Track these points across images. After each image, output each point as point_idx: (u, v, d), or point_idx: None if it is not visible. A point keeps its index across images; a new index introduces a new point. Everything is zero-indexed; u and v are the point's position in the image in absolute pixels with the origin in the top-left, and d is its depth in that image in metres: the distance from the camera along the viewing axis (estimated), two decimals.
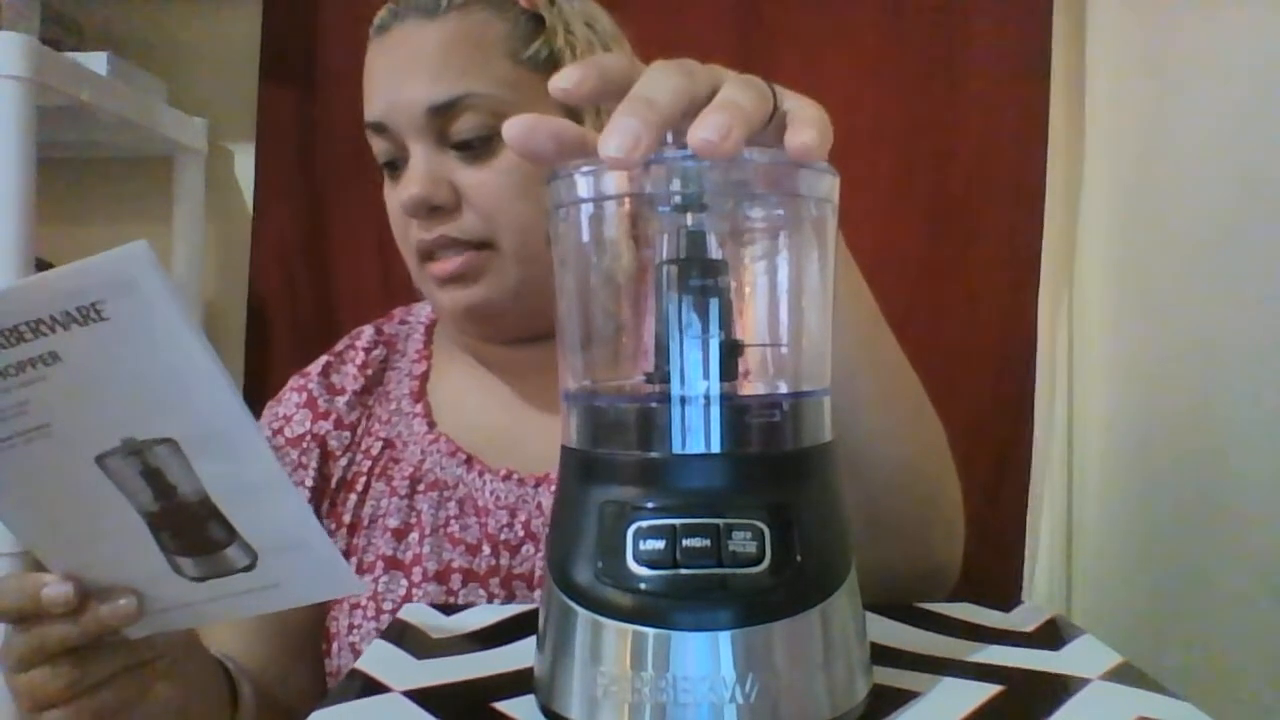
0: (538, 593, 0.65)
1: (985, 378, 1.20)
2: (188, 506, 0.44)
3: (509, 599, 0.66)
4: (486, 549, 0.66)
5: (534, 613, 0.42)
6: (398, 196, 0.66)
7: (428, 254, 0.66)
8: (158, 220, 1.26)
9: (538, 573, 0.66)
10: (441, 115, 0.63)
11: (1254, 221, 0.83)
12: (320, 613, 0.69)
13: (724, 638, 0.35)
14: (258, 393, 1.18)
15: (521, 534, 0.67)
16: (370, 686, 0.43)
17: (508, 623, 0.52)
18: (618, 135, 0.34)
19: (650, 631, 0.36)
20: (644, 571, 0.36)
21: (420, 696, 0.41)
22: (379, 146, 0.68)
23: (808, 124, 0.38)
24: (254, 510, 0.45)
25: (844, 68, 1.20)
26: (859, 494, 0.42)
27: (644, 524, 0.36)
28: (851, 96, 1.19)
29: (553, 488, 0.68)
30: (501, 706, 0.40)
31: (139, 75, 1.17)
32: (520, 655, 0.46)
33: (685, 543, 0.35)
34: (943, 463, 0.60)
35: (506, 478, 0.69)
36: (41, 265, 0.94)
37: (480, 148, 0.64)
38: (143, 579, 0.47)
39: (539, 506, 0.68)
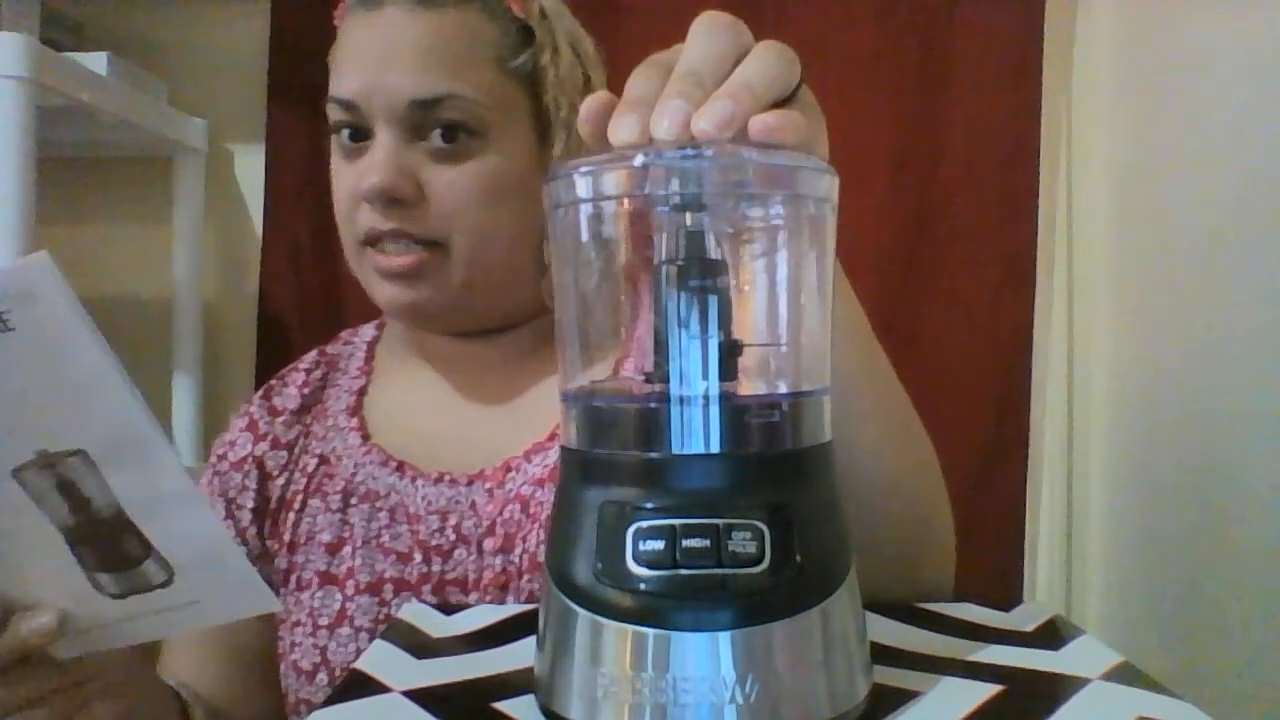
0: (473, 596, 0.64)
1: (979, 376, 1.20)
2: (103, 520, 0.43)
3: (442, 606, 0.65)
4: (418, 556, 0.65)
5: (534, 613, 0.42)
6: (354, 178, 0.64)
7: (374, 241, 0.64)
8: (158, 220, 1.26)
9: (471, 577, 0.65)
10: (422, 109, 0.62)
11: (1252, 219, 0.83)
12: (272, 635, 0.69)
13: (724, 638, 0.35)
14: None
15: (453, 538, 0.65)
16: (370, 686, 0.43)
17: (508, 623, 0.52)
18: (668, 116, 0.36)
19: (650, 632, 0.36)
20: (644, 572, 0.36)
21: (420, 696, 0.41)
22: (339, 117, 0.65)
23: (785, 115, 0.38)
24: (168, 524, 0.44)
25: (837, 68, 1.20)
26: (850, 515, 0.42)
27: (644, 524, 0.36)
28: (845, 96, 1.19)
29: (486, 485, 0.66)
30: (501, 706, 0.40)
31: (139, 75, 1.17)
32: (520, 655, 0.46)
33: (685, 543, 0.35)
34: (934, 483, 0.59)
35: (438, 481, 0.67)
36: None
37: (452, 148, 0.63)
38: (65, 597, 0.46)
39: (472, 507, 0.66)
